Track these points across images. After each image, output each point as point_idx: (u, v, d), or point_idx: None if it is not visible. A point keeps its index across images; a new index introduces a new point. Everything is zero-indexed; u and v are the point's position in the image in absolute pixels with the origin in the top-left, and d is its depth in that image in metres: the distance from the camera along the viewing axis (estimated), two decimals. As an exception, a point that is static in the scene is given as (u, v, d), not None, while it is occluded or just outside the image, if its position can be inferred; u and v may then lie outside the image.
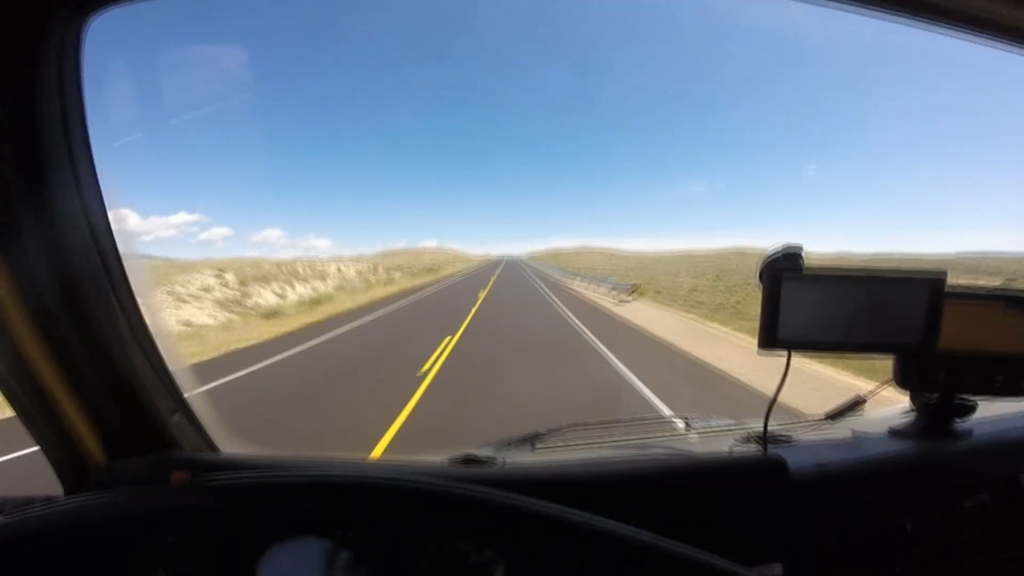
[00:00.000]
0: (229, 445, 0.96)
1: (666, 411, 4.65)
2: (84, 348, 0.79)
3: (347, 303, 17.42)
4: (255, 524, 0.73)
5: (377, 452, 3.64)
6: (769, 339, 0.77)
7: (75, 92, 0.73)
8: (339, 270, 28.28)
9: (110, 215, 0.80)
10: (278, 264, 24.28)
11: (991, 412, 0.97)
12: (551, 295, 18.64)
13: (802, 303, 0.77)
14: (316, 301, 17.92)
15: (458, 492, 0.69)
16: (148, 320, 0.86)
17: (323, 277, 25.11)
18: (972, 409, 0.90)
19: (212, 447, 0.94)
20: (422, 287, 26.04)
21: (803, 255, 0.81)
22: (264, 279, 20.59)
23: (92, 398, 0.81)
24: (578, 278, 25.25)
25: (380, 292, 22.03)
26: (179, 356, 0.96)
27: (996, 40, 0.86)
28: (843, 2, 0.80)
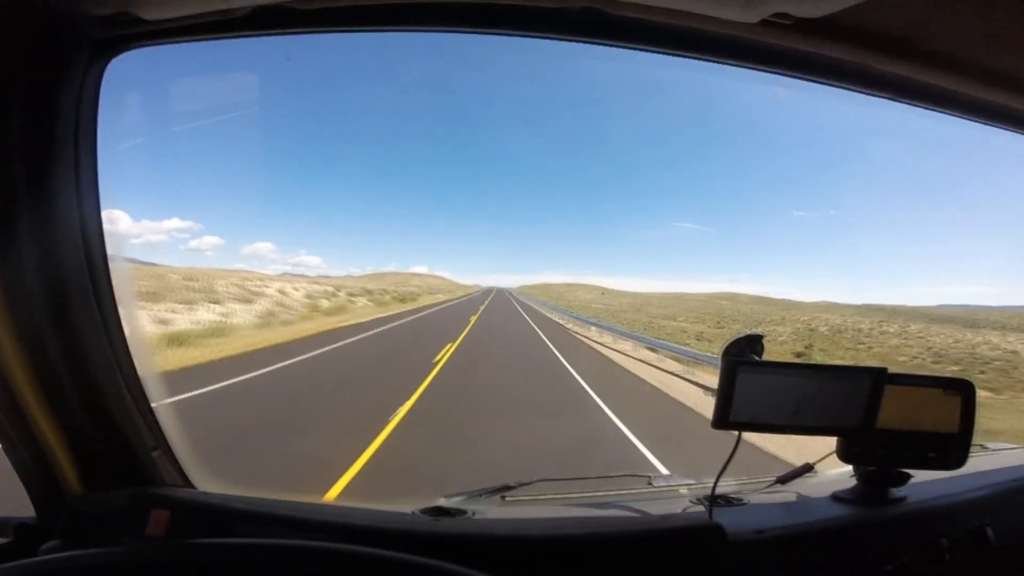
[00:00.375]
0: (205, 481, 0.99)
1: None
2: (70, 376, 0.81)
3: (233, 344, 10.53)
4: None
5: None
6: (723, 420, 0.86)
7: (89, 127, 0.80)
8: (281, 292, 23.40)
9: (107, 244, 0.84)
10: (190, 276, 19.86)
11: (927, 476, 1.06)
12: (579, 368, 9.29)
13: (755, 389, 0.86)
14: (210, 333, 11.84)
15: (428, 567, 0.71)
16: (134, 354, 0.90)
17: (250, 300, 19.49)
18: (907, 478, 1.00)
19: (188, 482, 0.97)
20: (382, 321, 18.81)
21: (763, 342, 0.92)
22: (155, 296, 15.55)
23: (74, 428, 0.83)
24: (593, 327, 18.07)
25: (308, 327, 15.15)
26: (162, 391, 1.00)
27: (983, 122, 1.03)
28: (841, 85, 0.94)
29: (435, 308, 30.99)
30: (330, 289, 31.06)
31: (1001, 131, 1.03)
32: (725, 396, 0.85)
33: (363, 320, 18.88)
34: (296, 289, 26.26)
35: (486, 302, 42.84)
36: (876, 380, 0.88)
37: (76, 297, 0.80)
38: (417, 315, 23.10)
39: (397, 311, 25.81)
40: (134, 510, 0.84)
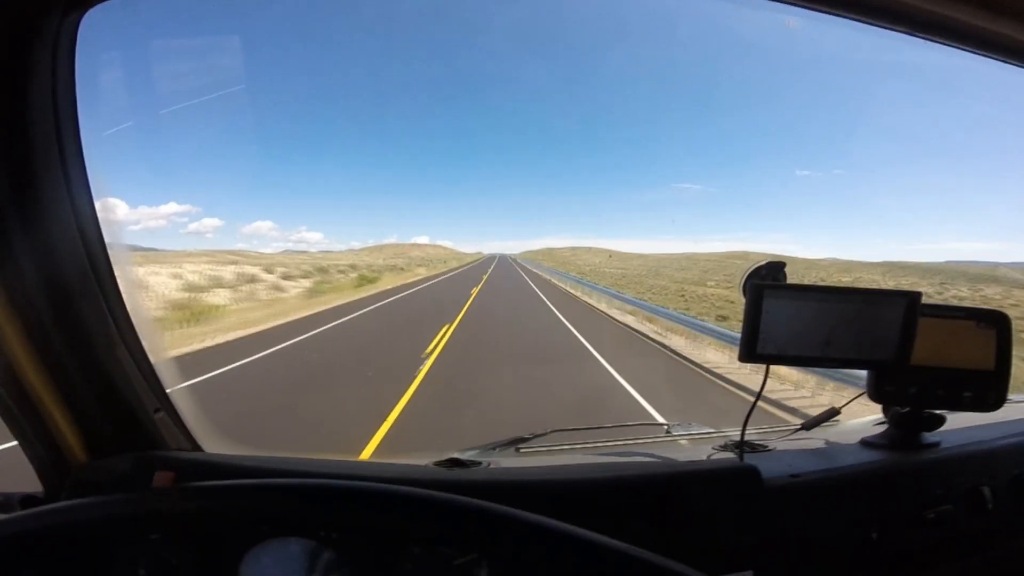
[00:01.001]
0: (213, 444, 0.99)
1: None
2: (68, 344, 0.80)
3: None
4: (238, 526, 0.75)
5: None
6: (750, 352, 0.83)
7: (67, 86, 0.75)
8: (237, 274, 19.78)
9: (98, 210, 0.81)
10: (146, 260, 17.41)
11: (958, 424, 1.05)
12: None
13: (782, 317, 0.82)
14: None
15: (437, 499, 0.72)
16: (134, 317, 0.88)
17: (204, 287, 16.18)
18: (941, 422, 0.98)
19: (196, 446, 0.97)
20: (362, 303, 15.51)
21: (786, 271, 0.88)
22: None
23: (74, 395, 0.83)
24: (621, 304, 13.87)
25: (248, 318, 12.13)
26: (164, 353, 0.99)
27: (990, 56, 0.93)
28: (843, 14, 0.87)
29: (432, 282, 26.87)
30: (308, 267, 28.07)
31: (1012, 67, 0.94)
32: (751, 325, 0.82)
33: (353, 299, 15.92)
34: (265, 271, 23.41)
35: (487, 273, 36.74)
36: (911, 305, 0.84)
37: (70, 264, 0.78)
38: (417, 289, 20.25)
39: (390, 286, 21.82)
40: (138, 474, 0.84)
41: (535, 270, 44.61)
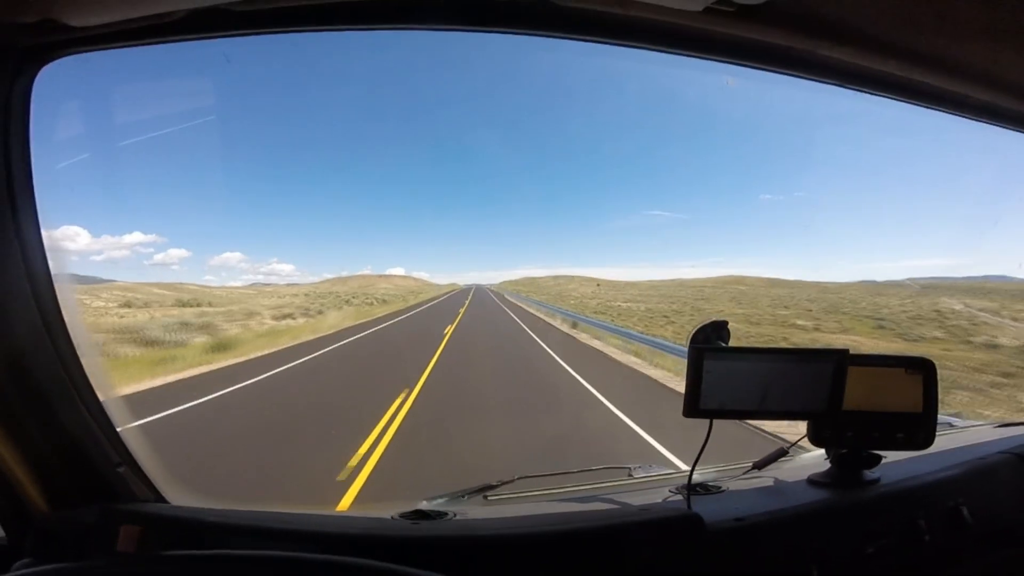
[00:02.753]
0: (177, 495, 1.06)
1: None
2: (23, 400, 0.86)
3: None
4: None
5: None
6: (692, 408, 0.96)
7: (20, 139, 0.82)
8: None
9: (50, 262, 0.87)
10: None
11: (899, 456, 1.20)
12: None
13: (721, 375, 0.96)
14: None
15: (395, 573, 0.76)
16: (89, 371, 0.94)
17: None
18: (878, 460, 1.12)
19: (160, 497, 1.03)
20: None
21: (728, 328, 1.03)
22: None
23: (33, 449, 0.88)
24: None
25: None
26: (124, 409, 1.05)
27: (924, 105, 1.16)
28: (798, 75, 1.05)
29: (370, 335, 16.29)
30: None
31: (940, 113, 1.18)
32: (693, 384, 0.95)
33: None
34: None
35: (461, 310, 29.55)
36: (839, 361, 0.99)
37: (22, 322, 0.84)
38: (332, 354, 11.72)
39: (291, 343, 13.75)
40: (102, 526, 0.90)
41: (520, 303, 38.21)
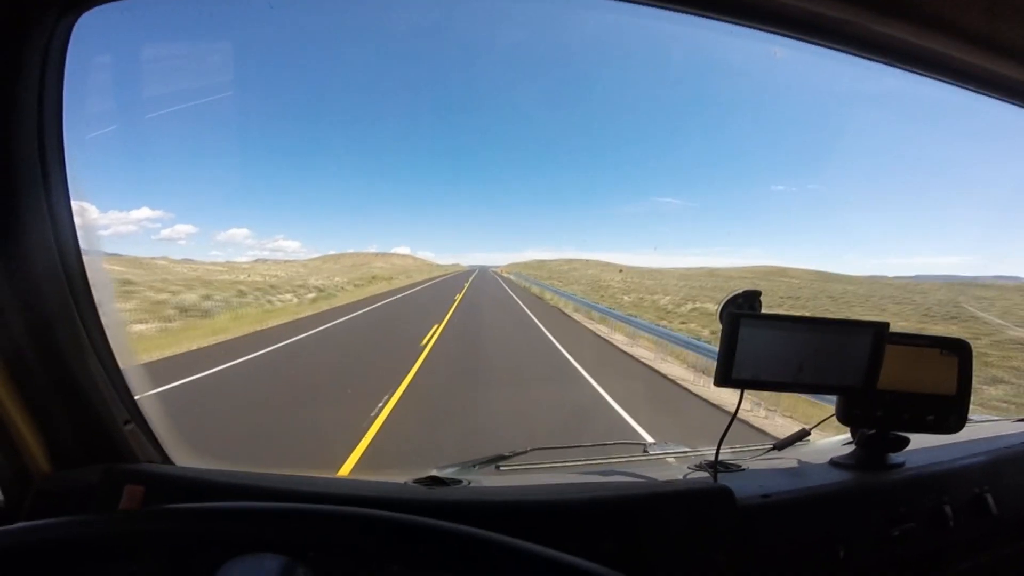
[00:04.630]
0: (184, 457, 1.11)
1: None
2: (36, 350, 0.90)
3: None
4: (212, 544, 0.81)
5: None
6: (725, 377, 1.01)
7: (55, 89, 0.85)
8: None
9: (76, 216, 0.92)
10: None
11: (922, 444, 1.27)
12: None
13: (757, 344, 1.01)
14: None
15: (415, 523, 0.81)
16: (106, 325, 0.99)
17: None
18: (906, 443, 1.19)
19: (166, 459, 1.08)
20: None
21: (761, 299, 1.07)
22: None
23: (40, 403, 0.92)
24: None
25: None
26: (136, 363, 1.10)
27: (960, 85, 1.19)
28: (825, 44, 1.08)
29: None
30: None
31: (985, 98, 1.21)
32: (727, 352, 1.00)
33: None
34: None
35: (453, 305, 20.59)
36: (878, 335, 1.04)
37: (44, 269, 0.89)
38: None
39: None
40: (105, 487, 0.93)
41: (535, 289, 32.53)
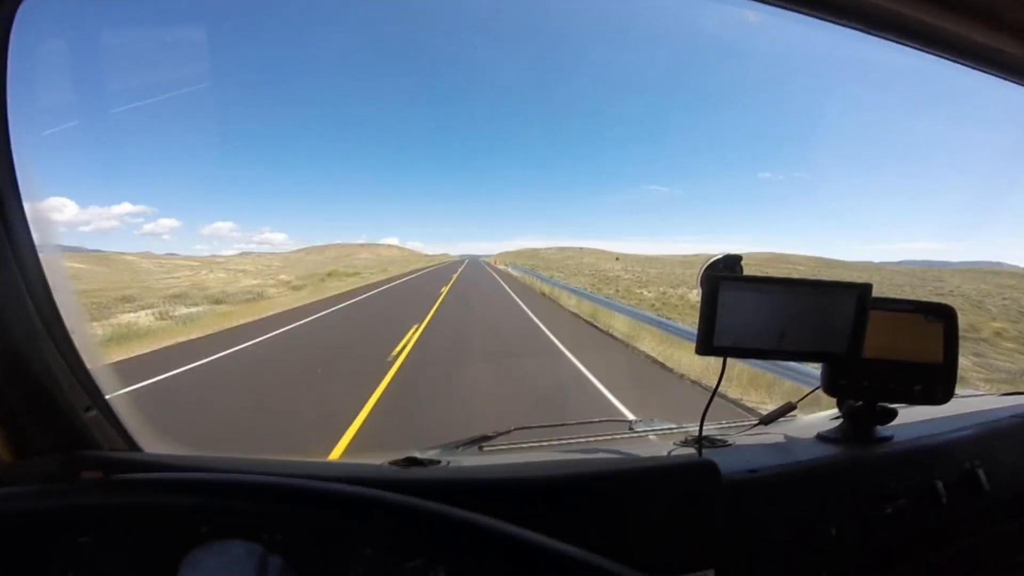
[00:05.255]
0: (153, 445, 1.10)
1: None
2: None
3: None
4: (174, 525, 0.82)
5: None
6: (706, 344, 1.02)
7: None
8: None
9: (25, 203, 0.91)
10: None
11: (909, 419, 1.29)
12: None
13: (738, 309, 1.01)
14: None
15: (387, 499, 0.81)
16: (63, 310, 0.98)
17: None
18: (893, 415, 1.20)
19: (134, 446, 1.07)
20: None
21: (742, 264, 1.08)
22: None
23: None
24: None
25: None
26: (97, 349, 1.12)
27: (944, 56, 1.18)
28: (804, 11, 1.08)
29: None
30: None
31: (968, 72, 1.21)
32: (708, 318, 1.01)
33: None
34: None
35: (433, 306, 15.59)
36: (862, 298, 1.04)
37: None
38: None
39: None
40: (63, 474, 0.92)
41: (542, 286, 24.64)
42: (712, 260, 1.09)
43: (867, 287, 1.05)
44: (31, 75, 0.93)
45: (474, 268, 61.31)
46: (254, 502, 0.83)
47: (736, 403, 6.43)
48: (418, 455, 1.10)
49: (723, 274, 1.03)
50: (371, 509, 0.81)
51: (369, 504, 0.82)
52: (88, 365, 1.03)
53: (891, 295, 1.17)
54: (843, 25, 1.13)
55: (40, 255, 0.94)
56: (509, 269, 52.63)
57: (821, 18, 1.11)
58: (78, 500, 0.83)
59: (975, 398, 1.72)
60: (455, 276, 39.09)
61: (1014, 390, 1.83)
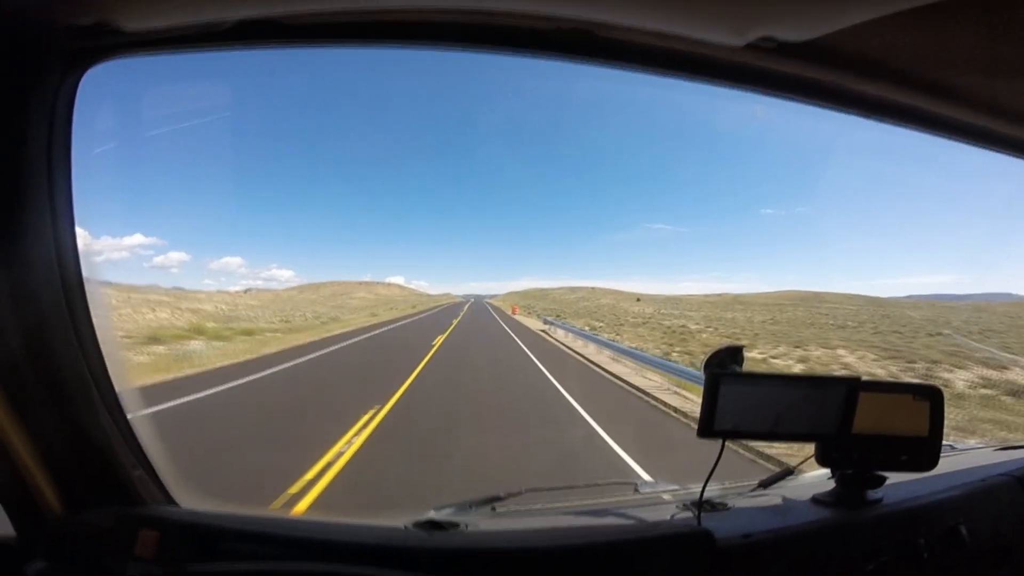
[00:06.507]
0: (186, 497, 1.27)
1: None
2: (45, 400, 1.03)
3: None
4: None
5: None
6: (707, 429, 1.19)
7: (62, 139, 0.99)
8: None
9: (82, 260, 1.05)
10: None
11: (902, 479, 1.43)
12: None
13: (736, 399, 1.20)
14: None
15: None
16: (112, 372, 1.13)
17: None
18: (882, 480, 1.36)
19: (170, 499, 1.24)
20: None
21: (743, 353, 1.27)
22: None
23: (50, 449, 1.05)
24: None
25: None
26: (140, 407, 1.27)
27: (946, 136, 1.44)
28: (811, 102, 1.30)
29: None
30: None
31: (960, 144, 1.47)
32: (709, 406, 1.19)
33: None
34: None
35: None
36: (850, 389, 1.24)
37: (50, 317, 1.01)
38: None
39: None
40: (119, 530, 1.06)
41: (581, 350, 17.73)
42: (715, 351, 1.28)
43: (856, 380, 1.26)
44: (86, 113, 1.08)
45: (476, 314, 54.38)
46: None
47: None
48: (436, 517, 1.26)
49: (723, 371, 1.22)
50: None
51: None
52: (133, 425, 1.19)
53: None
54: (847, 113, 1.36)
55: (90, 305, 1.07)
56: (524, 320, 40.66)
57: (828, 108, 1.33)
58: None
59: (971, 452, 1.89)
60: (452, 325, 31.95)
61: (1010, 444, 2.00)
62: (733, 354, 1.27)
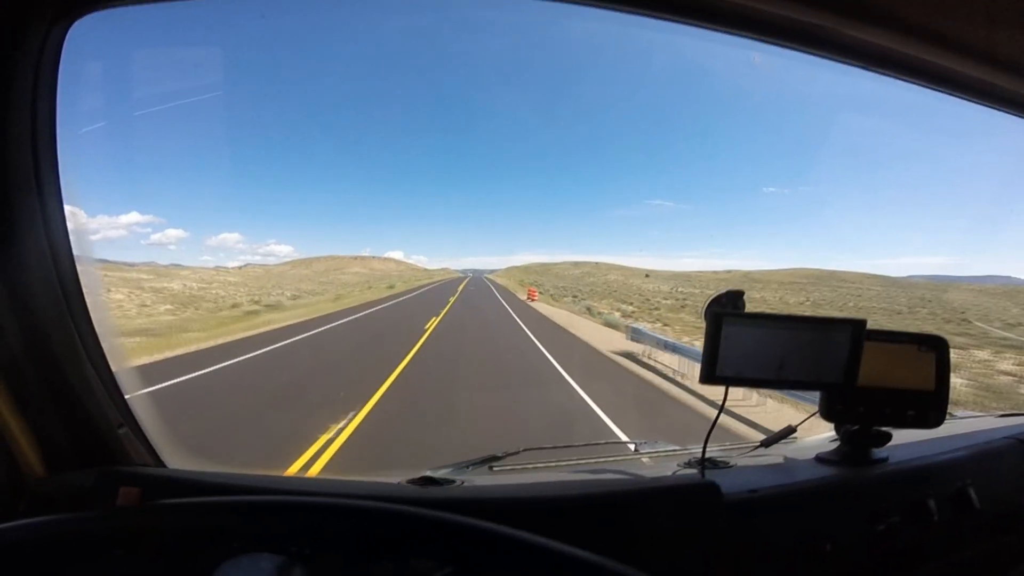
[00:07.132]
0: (177, 460, 1.27)
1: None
2: (29, 356, 1.03)
3: None
4: (207, 543, 0.92)
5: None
6: (709, 374, 1.19)
7: (48, 94, 0.97)
8: None
9: (68, 220, 1.04)
10: None
11: (905, 440, 1.45)
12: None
13: (740, 342, 1.18)
14: None
15: (409, 513, 0.92)
16: (99, 329, 1.13)
17: None
18: (888, 438, 1.37)
19: (159, 461, 1.24)
20: None
21: (745, 298, 1.26)
22: None
23: (34, 406, 1.05)
24: None
25: None
26: (129, 366, 1.25)
27: (951, 93, 1.40)
28: (810, 51, 1.27)
29: None
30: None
31: (970, 104, 1.42)
32: (711, 350, 1.18)
33: None
34: None
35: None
36: (856, 332, 1.22)
37: (37, 277, 1.01)
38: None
39: None
40: (101, 489, 1.04)
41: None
42: (716, 295, 1.27)
43: (862, 322, 1.23)
44: (74, 84, 1.07)
45: (474, 291, 48.22)
46: (284, 520, 0.95)
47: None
48: (432, 474, 1.27)
49: (726, 311, 1.21)
50: (392, 522, 0.94)
51: (390, 517, 0.95)
52: (120, 382, 1.19)
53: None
54: (846, 63, 1.32)
55: (78, 266, 1.07)
56: (535, 305, 33.02)
57: (824, 57, 1.30)
58: (119, 524, 0.95)
59: (972, 419, 1.91)
60: (442, 313, 24.91)
61: (1012, 411, 2.02)
62: (734, 298, 1.26)
